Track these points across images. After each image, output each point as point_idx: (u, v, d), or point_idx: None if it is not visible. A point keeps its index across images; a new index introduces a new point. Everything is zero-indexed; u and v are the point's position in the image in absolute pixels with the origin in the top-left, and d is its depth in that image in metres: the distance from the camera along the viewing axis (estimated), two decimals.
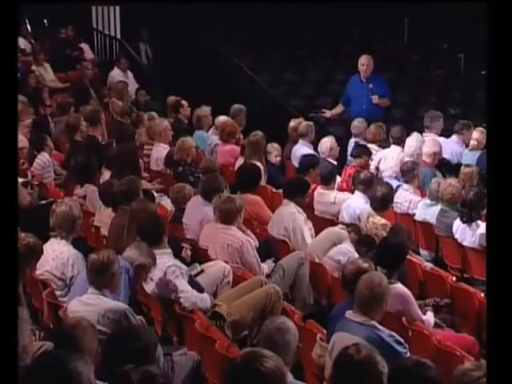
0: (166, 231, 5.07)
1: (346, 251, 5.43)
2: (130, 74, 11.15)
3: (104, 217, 5.93)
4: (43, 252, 4.78)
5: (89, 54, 12.08)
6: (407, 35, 12.77)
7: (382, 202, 6.12)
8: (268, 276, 5.35)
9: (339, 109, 9.35)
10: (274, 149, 7.87)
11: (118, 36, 12.86)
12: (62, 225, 5.10)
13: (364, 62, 9.11)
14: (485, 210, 6.23)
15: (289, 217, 5.99)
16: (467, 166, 6.93)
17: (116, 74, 10.97)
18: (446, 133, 8.46)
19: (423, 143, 7.66)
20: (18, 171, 6.19)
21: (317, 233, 6.04)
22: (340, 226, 6.06)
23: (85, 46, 12.11)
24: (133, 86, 10.73)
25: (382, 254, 4.87)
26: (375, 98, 8.96)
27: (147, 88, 10.70)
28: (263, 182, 7.14)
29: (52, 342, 3.59)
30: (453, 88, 12.10)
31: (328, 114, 9.47)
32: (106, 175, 6.88)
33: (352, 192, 6.83)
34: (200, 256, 5.50)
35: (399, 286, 4.70)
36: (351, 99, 9.14)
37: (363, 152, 7.59)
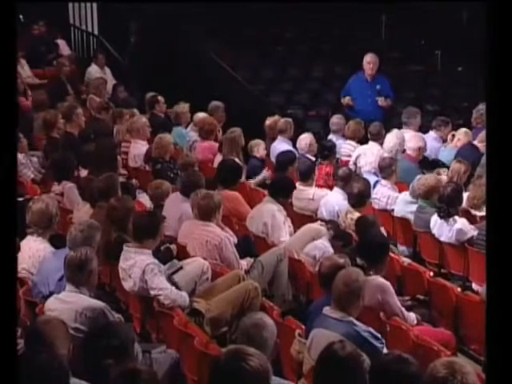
0: (159, 230, 5.01)
1: (321, 246, 5.47)
2: (107, 70, 11.10)
3: (82, 214, 5.90)
4: (20, 249, 4.74)
5: (65, 50, 11.99)
6: (385, 33, 12.82)
7: (359, 198, 6.16)
8: (247, 272, 5.35)
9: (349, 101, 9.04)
10: (258, 144, 7.90)
11: (96, 32, 12.77)
12: (38, 222, 5.07)
13: (370, 60, 8.93)
14: (461, 206, 6.32)
15: (269, 213, 6.00)
16: (458, 161, 6.97)
17: (94, 71, 10.91)
18: (423, 129, 8.51)
19: (403, 140, 7.71)
20: (17, 171, 6.12)
21: (295, 229, 6.07)
22: (319, 222, 6.09)
23: (61, 42, 12.02)
24: (111, 82, 10.68)
25: (364, 247, 4.92)
26: (381, 100, 8.82)
27: (125, 84, 10.66)
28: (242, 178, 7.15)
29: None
30: (430, 85, 12.17)
31: (347, 101, 9.05)
32: (83, 172, 6.85)
33: (330, 188, 6.86)
34: (179, 252, 5.49)
35: (378, 278, 4.74)
36: (353, 98, 8.96)
37: (330, 151, 7.60)
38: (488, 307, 3.03)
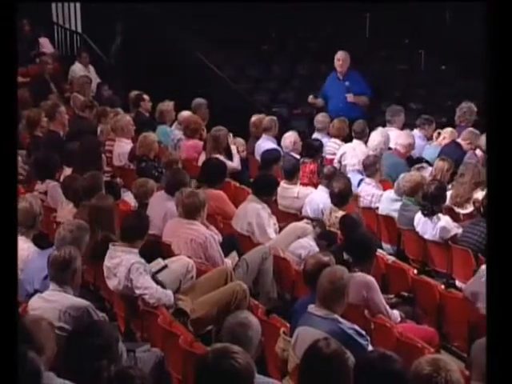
0: (147, 230, 5.03)
1: (306, 245, 5.49)
2: (91, 68, 11.06)
3: (66, 213, 5.88)
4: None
5: (48, 48, 11.92)
6: (369, 32, 12.87)
7: (341, 197, 6.18)
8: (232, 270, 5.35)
9: (320, 102, 9.17)
10: (239, 143, 7.89)
11: (79, 30, 12.71)
12: (22, 221, 5.04)
13: (340, 57, 8.98)
14: (445, 204, 6.36)
15: (253, 212, 6.00)
16: (442, 159, 7.02)
17: (77, 69, 10.87)
18: (407, 127, 8.55)
19: (387, 138, 7.75)
20: (17, 172, 6.07)
21: (280, 227, 6.07)
22: (305, 220, 6.10)
23: (44, 41, 11.94)
24: (94, 80, 10.64)
25: (352, 245, 4.96)
26: (350, 97, 8.84)
27: (109, 82, 10.62)
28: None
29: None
30: (414, 83, 12.23)
31: (311, 99, 9.23)
32: (67, 171, 6.81)
33: (315, 187, 6.88)
34: (163, 251, 5.47)
35: (363, 274, 4.77)
36: (328, 97, 9.02)
37: (317, 150, 7.63)
38: (488, 310, 3.01)
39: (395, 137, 7.81)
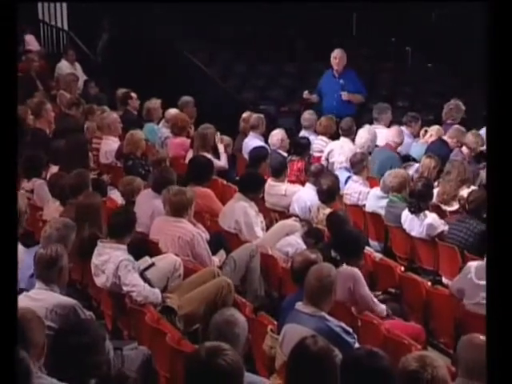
0: (134, 226, 5.05)
1: (293, 243, 5.50)
2: (78, 65, 11.01)
3: (52, 211, 5.85)
4: None
5: (35, 45, 11.86)
6: (356, 29, 12.89)
7: (329, 195, 6.20)
8: (219, 268, 5.35)
9: (315, 99, 9.17)
10: (226, 142, 7.90)
11: (66, 27, 12.65)
12: None
13: (336, 55, 8.99)
14: (432, 201, 6.39)
15: (240, 210, 6.00)
16: (429, 156, 7.04)
17: (64, 66, 10.83)
18: (394, 125, 8.58)
19: (374, 135, 7.78)
20: (17, 172, 6.04)
21: (267, 224, 6.08)
22: (293, 218, 6.11)
23: (30, 38, 11.88)
24: (81, 78, 10.60)
25: (341, 243, 4.99)
26: (345, 95, 8.84)
27: (96, 80, 10.58)
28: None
29: None
30: (400, 81, 12.28)
31: (306, 95, 9.23)
32: (53, 169, 6.78)
33: (303, 184, 6.89)
34: (150, 249, 5.46)
35: (349, 267, 4.81)
36: (323, 94, 9.02)
37: (304, 148, 7.65)
38: (488, 310, 3.01)
39: (386, 134, 7.85)
